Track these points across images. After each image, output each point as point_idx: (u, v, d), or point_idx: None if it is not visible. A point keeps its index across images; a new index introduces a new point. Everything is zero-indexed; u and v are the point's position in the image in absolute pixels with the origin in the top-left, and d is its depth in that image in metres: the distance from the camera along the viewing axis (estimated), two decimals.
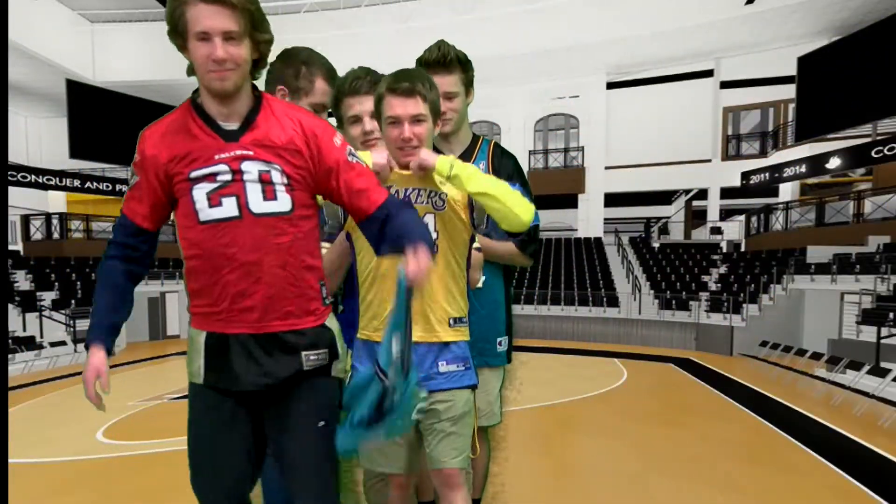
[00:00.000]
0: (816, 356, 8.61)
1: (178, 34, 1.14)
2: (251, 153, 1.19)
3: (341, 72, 1.66)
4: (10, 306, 11.23)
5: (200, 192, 1.19)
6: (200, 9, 1.10)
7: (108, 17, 16.70)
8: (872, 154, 12.06)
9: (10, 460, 2.63)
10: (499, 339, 1.88)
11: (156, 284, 14.21)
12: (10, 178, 13.80)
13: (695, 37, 15.36)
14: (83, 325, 11.57)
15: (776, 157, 15.66)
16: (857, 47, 12.68)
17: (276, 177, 1.21)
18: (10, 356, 9.72)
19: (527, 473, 4.38)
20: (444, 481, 1.44)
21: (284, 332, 1.25)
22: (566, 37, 15.73)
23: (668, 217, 21.33)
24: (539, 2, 15.76)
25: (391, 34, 16.22)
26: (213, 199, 1.19)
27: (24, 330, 11.16)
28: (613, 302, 14.12)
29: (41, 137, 19.34)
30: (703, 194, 18.38)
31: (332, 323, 1.35)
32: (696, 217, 19.83)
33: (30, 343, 10.57)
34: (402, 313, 1.13)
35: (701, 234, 19.02)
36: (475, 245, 1.55)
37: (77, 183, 16.04)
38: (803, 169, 14.11)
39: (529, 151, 18.82)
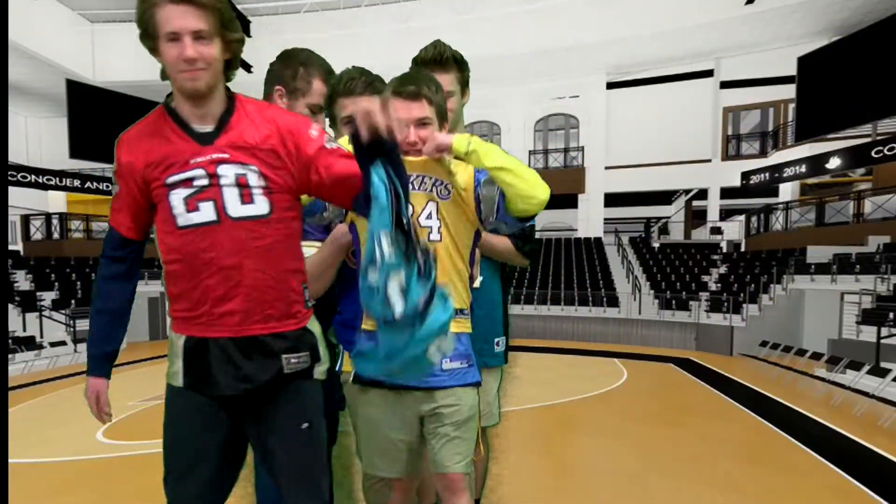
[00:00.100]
0: (816, 356, 8.61)
1: (149, 36, 1.14)
2: (227, 156, 1.19)
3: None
4: (10, 306, 11.24)
5: (177, 198, 1.18)
6: (169, 10, 1.10)
7: (108, 17, 16.66)
8: (872, 154, 12.06)
9: (10, 460, 2.64)
10: (496, 340, 1.88)
11: (156, 284, 14.18)
12: (10, 178, 13.81)
13: (695, 37, 15.35)
14: (83, 325, 11.58)
15: (776, 157, 15.65)
16: (857, 47, 12.67)
17: (254, 180, 1.20)
18: (10, 356, 9.71)
19: (527, 473, 4.39)
20: (448, 486, 1.44)
21: (265, 335, 1.23)
22: (566, 37, 15.71)
23: (668, 217, 21.33)
24: (539, 2, 15.75)
25: (391, 34, 16.19)
26: (190, 204, 1.18)
27: (24, 330, 11.16)
28: (613, 302, 14.11)
29: (41, 137, 19.30)
30: (703, 194, 18.37)
31: (313, 326, 1.34)
32: (696, 217, 19.83)
33: (30, 343, 10.56)
34: (388, 214, 1.06)
35: (701, 234, 19.01)
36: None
37: (77, 183, 16.04)
38: (803, 169, 14.11)
39: (529, 151, 18.80)
